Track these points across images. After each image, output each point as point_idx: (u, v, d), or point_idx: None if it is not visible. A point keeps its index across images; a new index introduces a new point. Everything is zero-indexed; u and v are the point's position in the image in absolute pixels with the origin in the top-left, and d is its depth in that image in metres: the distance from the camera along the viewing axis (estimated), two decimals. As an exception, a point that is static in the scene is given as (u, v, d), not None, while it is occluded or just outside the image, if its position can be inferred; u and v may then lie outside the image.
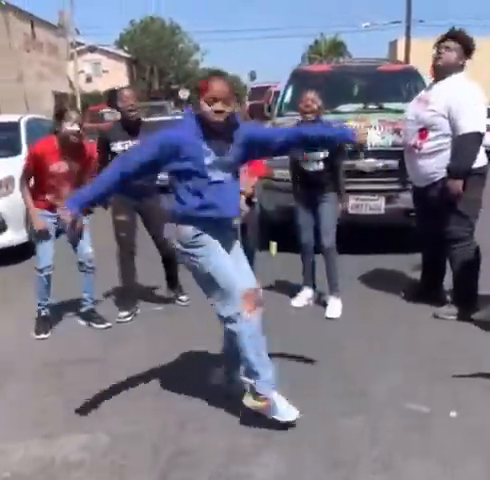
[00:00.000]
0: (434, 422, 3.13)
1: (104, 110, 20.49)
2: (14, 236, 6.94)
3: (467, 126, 4.26)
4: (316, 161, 4.68)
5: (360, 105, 7.38)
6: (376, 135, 6.23)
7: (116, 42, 53.19)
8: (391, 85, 7.64)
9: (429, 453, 2.85)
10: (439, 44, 4.52)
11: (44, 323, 4.59)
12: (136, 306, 5.01)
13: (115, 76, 46.36)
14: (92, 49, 47.80)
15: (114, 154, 4.71)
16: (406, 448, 2.89)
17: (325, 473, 2.72)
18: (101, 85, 41.02)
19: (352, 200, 6.16)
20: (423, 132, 4.48)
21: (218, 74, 3.14)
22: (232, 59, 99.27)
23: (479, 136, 4.30)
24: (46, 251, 4.50)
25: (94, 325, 4.72)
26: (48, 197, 4.45)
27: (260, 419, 3.07)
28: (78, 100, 31.42)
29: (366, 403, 3.33)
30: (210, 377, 3.58)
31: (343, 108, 7.21)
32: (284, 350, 3.85)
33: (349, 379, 3.63)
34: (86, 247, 4.63)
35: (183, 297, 5.13)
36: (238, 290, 3.00)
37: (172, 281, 5.17)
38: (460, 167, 4.33)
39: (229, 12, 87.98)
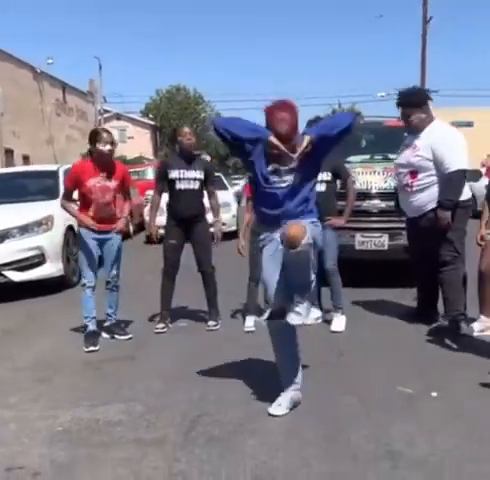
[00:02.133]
0: (418, 400, 3.69)
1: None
2: (52, 269, 7.62)
3: (452, 165, 4.95)
4: (319, 182, 5.34)
5: (367, 156, 8.09)
6: (380, 180, 6.96)
7: (141, 111, 55.47)
8: (395, 139, 8.35)
9: (411, 421, 3.39)
10: (401, 111, 5.29)
11: (92, 337, 5.10)
12: (169, 319, 5.62)
13: (140, 142, 48.34)
14: (118, 116, 49.99)
15: (171, 181, 5.47)
16: (392, 416, 3.43)
17: (324, 430, 3.26)
18: (126, 150, 42.68)
19: (358, 237, 6.82)
20: (413, 173, 5.21)
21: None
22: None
23: (463, 172, 5.00)
24: (90, 266, 5.12)
25: (117, 337, 5.29)
26: (91, 213, 5.08)
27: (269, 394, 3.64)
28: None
29: (361, 386, 3.87)
30: None
31: (352, 159, 7.94)
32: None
33: (349, 370, 4.18)
34: (115, 269, 5.29)
35: (211, 322, 5.59)
36: None
37: (210, 301, 5.68)
38: (449, 200, 4.99)
39: (247, 80, 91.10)
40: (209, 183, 5.62)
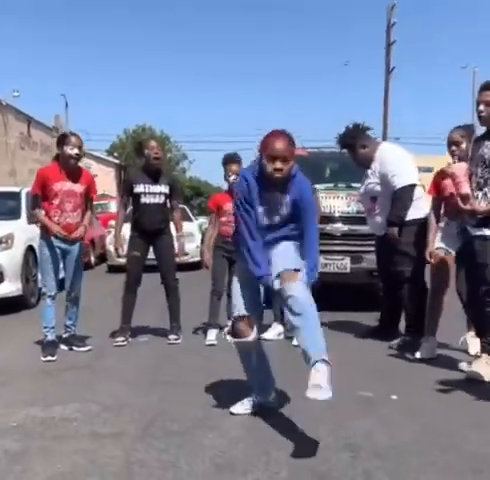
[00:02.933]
0: (378, 402, 3.71)
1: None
2: (10, 288, 7.45)
3: (397, 183, 5.15)
4: None
5: (331, 184, 8.25)
6: (343, 204, 7.10)
7: (107, 150, 55.53)
8: (358, 168, 8.57)
9: (371, 419, 3.39)
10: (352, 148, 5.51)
11: (50, 347, 4.98)
12: (129, 333, 5.54)
13: (104, 180, 47.82)
14: (83, 154, 49.96)
15: (136, 195, 5.45)
16: (352, 416, 3.43)
17: (285, 426, 3.23)
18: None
19: (321, 260, 6.87)
20: (373, 199, 5.46)
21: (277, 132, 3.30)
22: (219, 168, 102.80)
23: (409, 187, 5.18)
24: (52, 276, 5.04)
25: (76, 348, 5.17)
26: (55, 218, 5.01)
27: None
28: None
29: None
30: None
31: (317, 186, 8.08)
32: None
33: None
34: (76, 282, 5.23)
35: (172, 336, 5.51)
36: None
37: (172, 315, 5.60)
38: (396, 216, 5.17)
39: (219, 124, 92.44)
40: (174, 197, 5.64)
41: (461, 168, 4.12)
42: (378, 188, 5.35)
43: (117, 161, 53.35)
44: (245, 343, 3.33)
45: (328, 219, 7.02)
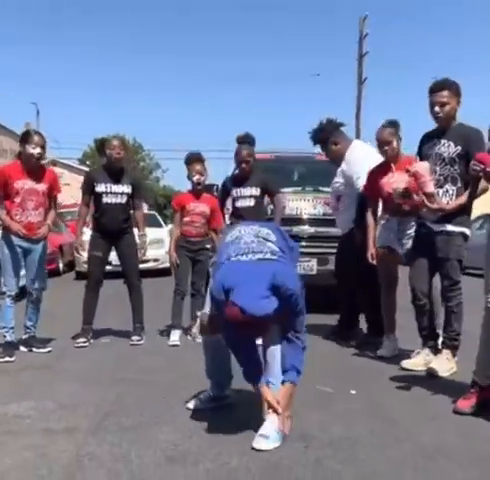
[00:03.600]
0: (336, 396, 3.71)
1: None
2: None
3: (359, 185, 5.15)
4: (247, 197, 5.71)
5: (299, 188, 8.28)
6: (310, 206, 7.12)
7: (79, 159, 55.09)
8: (325, 172, 8.61)
9: (328, 412, 3.39)
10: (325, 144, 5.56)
11: (9, 347, 4.89)
12: (91, 334, 5.47)
13: (76, 189, 47.43)
14: (55, 162, 49.38)
15: (97, 194, 5.38)
16: (309, 409, 3.42)
17: (240, 419, 3.21)
18: (62, 197, 42.06)
19: (288, 261, 6.90)
20: (338, 197, 5.53)
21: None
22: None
23: None
24: (12, 276, 4.96)
25: (35, 349, 5.09)
26: (17, 217, 4.94)
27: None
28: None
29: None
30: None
31: (284, 190, 8.10)
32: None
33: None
34: (37, 282, 5.14)
35: (135, 337, 5.45)
36: None
37: (135, 315, 5.56)
38: (359, 218, 5.14)
39: (187, 132, 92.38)
40: (136, 196, 5.59)
41: (424, 167, 4.15)
42: (343, 188, 5.39)
43: (89, 170, 52.98)
44: (209, 340, 3.30)
45: (295, 221, 7.05)
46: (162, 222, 14.60)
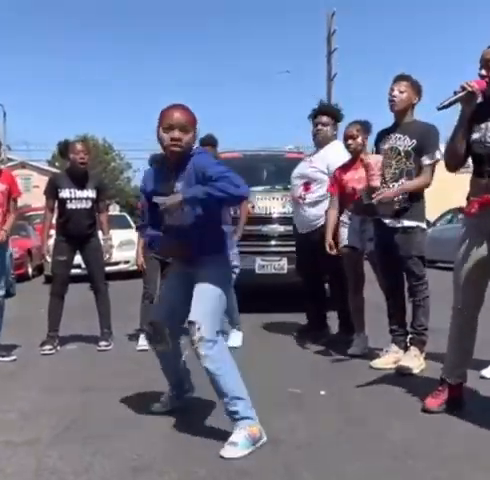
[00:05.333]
0: (306, 398, 3.68)
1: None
2: None
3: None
4: None
5: (268, 186, 8.22)
6: (279, 205, 7.08)
7: (48, 160, 54.46)
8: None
9: (298, 414, 3.35)
10: (315, 120, 5.40)
11: None
12: (57, 341, 5.35)
13: (46, 190, 47.19)
14: (24, 165, 48.85)
15: (61, 200, 5.27)
16: (279, 412, 3.37)
17: (209, 424, 3.14)
18: (31, 200, 41.49)
19: (259, 261, 6.84)
20: (307, 185, 5.29)
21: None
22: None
23: None
24: None
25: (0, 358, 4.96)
26: None
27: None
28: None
29: (256, 390, 3.78)
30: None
31: (253, 188, 8.04)
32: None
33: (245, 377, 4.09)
34: (2, 289, 5.03)
35: (103, 342, 5.37)
36: None
37: (102, 320, 5.48)
38: None
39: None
40: (100, 200, 5.49)
41: (377, 160, 4.20)
42: (318, 175, 5.20)
43: (59, 171, 52.43)
44: (157, 348, 3.24)
45: (265, 220, 7.01)
46: (132, 223, 14.45)
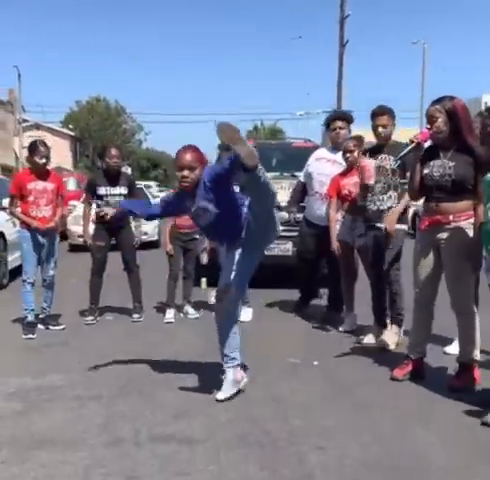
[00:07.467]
0: (302, 367, 4.71)
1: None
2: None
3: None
4: None
5: (278, 173, 9.13)
6: (286, 194, 7.99)
7: (61, 121, 55.10)
8: (301, 158, 9.44)
9: (294, 380, 4.37)
10: (332, 125, 6.32)
11: (30, 326, 5.82)
12: (98, 313, 6.43)
13: (59, 153, 47.76)
14: (38, 126, 49.53)
15: (99, 196, 6.29)
16: (280, 378, 4.40)
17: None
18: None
19: (267, 244, 7.83)
20: (303, 186, 6.31)
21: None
22: (175, 141, 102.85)
23: None
24: (31, 264, 5.85)
25: (51, 327, 6.03)
26: (32, 213, 5.82)
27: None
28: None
29: (259, 359, 4.80)
30: None
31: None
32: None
33: (253, 348, 5.10)
34: (51, 270, 6.04)
35: (135, 315, 6.45)
36: None
37: (134, 296, 6.52)
38: None
39: (172, 97, 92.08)
40: (132, 195, 6.48)
41: (370, 162, 5.16)
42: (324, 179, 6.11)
43: (72, 133, 53.11)
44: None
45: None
46: (150, 196, 15.40)
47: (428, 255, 4.24)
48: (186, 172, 3.86)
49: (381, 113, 5.17)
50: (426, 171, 4.17)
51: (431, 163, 4.15)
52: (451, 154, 4.10)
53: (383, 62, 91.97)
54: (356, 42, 50.08)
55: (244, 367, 4.22)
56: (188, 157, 3.87)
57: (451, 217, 4.08)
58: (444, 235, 4.11)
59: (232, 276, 4.06)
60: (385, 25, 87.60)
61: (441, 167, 4.10)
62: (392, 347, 5.14)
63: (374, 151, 5.26)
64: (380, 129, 5.16)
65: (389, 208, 5.09)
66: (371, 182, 5.11)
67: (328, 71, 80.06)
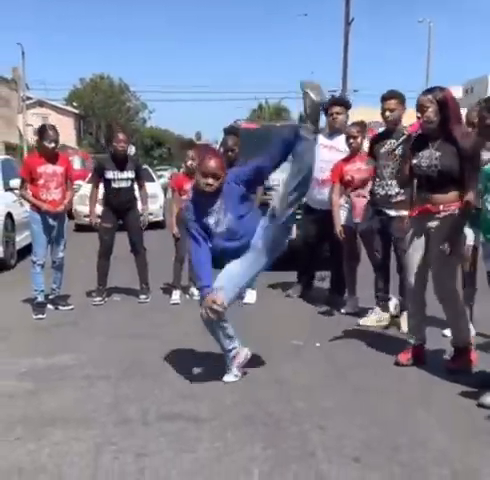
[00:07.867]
0: (305, 349, 4.84)
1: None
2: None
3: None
4: None
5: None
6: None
7: (65, 99, 54.93)
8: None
9: (297, 362, 4.50)
10: (329, 111, 6.33)
11: (40, 306, 5.96)
12: (105, 293, 6.56)
13: (63, 130, 46.75)
14: (41, 103, 49.42)
15: (107, 180, 6.39)
16: (284, 360, 4.53)
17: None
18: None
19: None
20: None
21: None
22: (178, 119, 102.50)
23: None
24: (41, 246, 5.97)
25: (61, 308, 6.17)
26: (43, 196, 5.93)
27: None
28: (25, 151, 32.44)
29: (264, 340, 4.92)
30: None
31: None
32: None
33: (256, 329, 5.22)
34: (60, 252, 6.15)
35: (142, 296, 6.58)
36: None
37: (141, 278, 6.64)
38: None
39: (176, 74, 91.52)
40: (139, 178, 6.59)
41: (361, 201, 5.60)
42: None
43: (76, 111, 52.97)
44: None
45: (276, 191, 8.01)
46: (154, 177, 15.46)
47: (419, 240, 4.33)
48: (211, 180, 3.87)
49: (389, 97, 5.26)
50: (415, 161, 4.27)
51: (420, 154, 4.25)
52: (438, 144, 4.18)
53: (389, 41, 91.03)
54: (361, 20, 49.23)
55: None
56: (213, 164, 3.86)
57: (441, 207, 4.16)
58: (434, 224, 4.21)
59: (228, 279, 4.00)
60: (391, 2, 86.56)
61: (428, 158, 4.18)
62: (405, 330, 5.21)
63: (383, 136, 5.34)
64: (387, 113, 5.24)
65: (397, 194, 5.18)
66: (357, 220, 5.63)
67: (333, 50, 79.33)
